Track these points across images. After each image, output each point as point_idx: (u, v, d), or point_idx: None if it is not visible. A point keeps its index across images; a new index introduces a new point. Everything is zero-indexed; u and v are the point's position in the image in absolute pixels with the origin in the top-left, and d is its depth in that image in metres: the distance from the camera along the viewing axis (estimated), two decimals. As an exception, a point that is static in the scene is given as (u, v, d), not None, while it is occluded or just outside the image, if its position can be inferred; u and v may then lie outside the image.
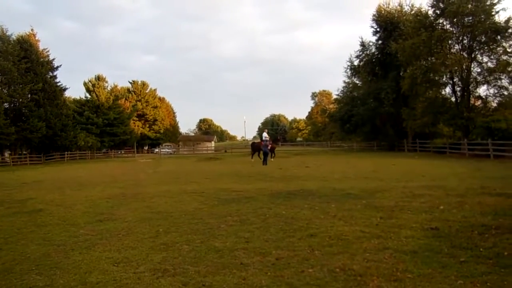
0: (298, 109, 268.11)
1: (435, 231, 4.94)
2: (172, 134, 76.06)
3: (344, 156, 28.97)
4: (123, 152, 54.95)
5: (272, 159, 23.67)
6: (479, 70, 26.02)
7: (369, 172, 13.88)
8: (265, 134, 25.49)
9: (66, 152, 39.26)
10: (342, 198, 7.70)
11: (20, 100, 34.79)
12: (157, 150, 56.64)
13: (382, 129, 36.22)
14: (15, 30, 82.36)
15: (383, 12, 36.50)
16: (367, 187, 9.29)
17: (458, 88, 27.37)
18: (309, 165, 19.24)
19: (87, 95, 52.69)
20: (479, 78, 25.89)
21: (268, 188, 9.83)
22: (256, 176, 13.64)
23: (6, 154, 37.14)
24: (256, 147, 25.40)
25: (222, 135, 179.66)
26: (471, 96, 26.90)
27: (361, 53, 37.83)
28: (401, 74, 33.19)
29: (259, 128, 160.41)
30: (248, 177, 13.61)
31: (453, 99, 27.91)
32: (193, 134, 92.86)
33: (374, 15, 36.95)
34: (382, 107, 33.47)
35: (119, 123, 52.65)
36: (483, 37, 25.09)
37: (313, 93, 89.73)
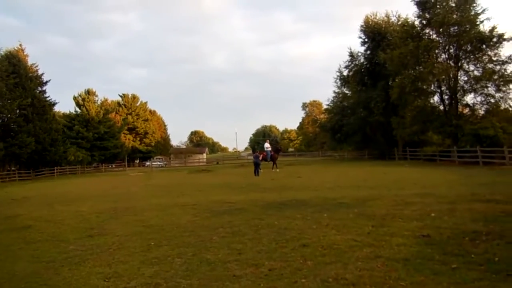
0: (289, 120, 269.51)
1: (426, 239, 4.96)
2: (163, 147, 75.70)
3: (336, 165, 29.13)
4: (114, 166, 54.44)
5: (275, 170, 23.79)
6: (466, 78, 26.52)
7: (361, 181, 13.96)
8: (266, 145, 26.13)
9: (55, 168, 38.71)
10: (334, 207, 7.73)
11: (9, 115, 34.42)
12: (148, 163, 56.24)
13: (372, 138, 36.62)
14: (3, 45, 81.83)
15: (370, 23, 37.22)
16: (358, 195, 9.35)
17: (446, 97, 27.84)
18: (301, 175, 19.31)
19: (77, 109, 52.33)
20: (466, 86, 26.38)
21: (260, 199, 9.84)
22: (248, 188, 13.67)
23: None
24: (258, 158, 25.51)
25: (213, 147, 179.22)
26: (459, 104, 27.35)
27: (350, 63, 38.44)
28: (390, 83, 33.69)
29: (250, 140, 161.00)
30: (240, 188, 13.64)
31: (441, 107, 28.33)
32: (184, 147, 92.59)
33: (362, 26, 37.68)
34: (372, 116, 33.87)
35: (110, 137, 52.28)
36: (468, 46, 25.62)
37: (303, 104, 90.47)
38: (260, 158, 22.28)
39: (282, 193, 11.04)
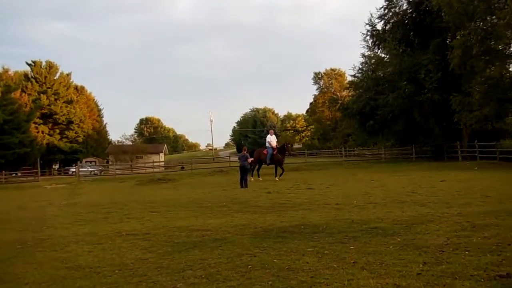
0: (293, 100, 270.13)
1: (505, 280, 4.99)
2: (97, 143, 75.46)
3: (367, 169, 29.37)
4: (20, 174, 53.99)
5: (277, 178, 24.45)
6: None
7: (406, 194, 14.03)
8: (270, 138, 26.20)
9: None
10: (365, 235, 7.79)
11: None
12: (73, 169, 55.98)
13: (423, 126, 36.82)
14: None
15: None
16: (403, 216, 9.42)
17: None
18: (313, 185, 19.37)
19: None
20: None
21: (251, 223, 9.88)
22: (231, 206, 13.66)
23: None
24: (257, 157, 25.85)
25: (176, 144, 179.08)
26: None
27: (386, 11, 38.74)
28: (448, 42, 33.90)
29: (234, 131, 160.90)
30: (218, 207, 13.62)
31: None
32: (130, 143, 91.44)
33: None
34: (422, 93, 34.13)
35: (12, 129, 51.72)
36: None
37: (316, 75, 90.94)
38: (250, 160, 22.27)
39: (283, 214, 11.05)
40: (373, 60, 40.73)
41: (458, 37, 29.50)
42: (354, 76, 44.20)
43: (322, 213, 10.84)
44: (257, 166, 25.96)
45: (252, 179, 24.73)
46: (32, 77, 67.97)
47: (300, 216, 10.52)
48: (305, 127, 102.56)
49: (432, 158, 35.80)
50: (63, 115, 67.83)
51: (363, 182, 20.11)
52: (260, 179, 25.25)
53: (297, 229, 8.78)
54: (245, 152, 22.55)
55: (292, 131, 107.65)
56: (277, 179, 24.36)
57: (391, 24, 38.60)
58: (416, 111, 36.12)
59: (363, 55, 41.55)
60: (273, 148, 25.34)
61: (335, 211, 11.11)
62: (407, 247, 6.71)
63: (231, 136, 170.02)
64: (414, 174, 22.74)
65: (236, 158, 27.32)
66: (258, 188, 19.29)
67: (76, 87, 75.58)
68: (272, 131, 28.60)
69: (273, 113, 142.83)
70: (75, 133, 68.74)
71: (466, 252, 6.23)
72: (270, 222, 9.95)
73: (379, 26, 39.27)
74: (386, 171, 26.49)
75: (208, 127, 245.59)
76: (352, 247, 6.92)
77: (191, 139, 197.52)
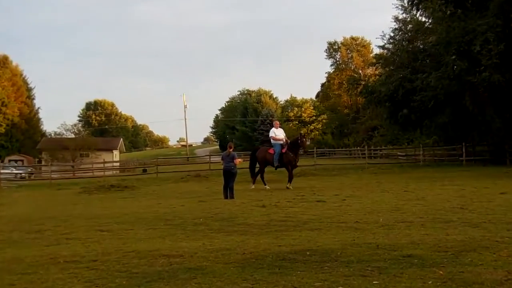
0: (298, 81, 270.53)
1: None
2: (25, 136, 75.20)
3: (399, 176, 29.43)
4: None
5: (290, 186, 24.84)
6: None
7: (452, 210, 13.99)
8: (276, 131, 25.79)
9: None
10: (394, 266, 7.73)
11: None
12: (-8, 170, 55.70)
13: (477, 118, 36.86)
14: None
15: None
16: (447, 241, 9.39)
17: None
18: (324, 196, 19.45)
19: None
20: None
21: (237, 247, 9.82)
22: (211, 224, 13.62)
23: None
24: (262, 158, 26.10)
25: (136, 137, 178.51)
26: None
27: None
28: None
29: (216, 121, 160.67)
30: (194, 225, 13.57)
31: None
32: (72, 136, 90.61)
33: None
34: (477, 72, 34.15)
35: None
36: None
37: (330, 45, 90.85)
38: (237, 161, 21.98)
39: (283, 236, 11.03)
40: (410, 26, 40.84)
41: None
42: (383, 47, 44.47)
43: (335, 235, 10.77)
44: (257, 169, 26.24)
45: (253, 187, 25.00)
46: None
47: (306, 239, 10.43)
48: (314, 117, 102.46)
49: (489, 161, 35.93)
50: (-24, 95, 67.67)
51: (392, 193, 20.10)
52: (267, 187, 25.29)
53: (301, 256, 8.68)
54: (231, 150, 22.29)
55: (297, 122, 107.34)
56: (289, 187, 24.49)
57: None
58: (468, 96, 36.14)
59: (396, 19, 41.80)
60: (281, 145, 25.18)
61: (354, 232, 11.02)
62: (452, 283, 6.60)
63: (212, 128, 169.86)
64: (464, 183, 22.69)
65: (218, 159, 26.88)
66: (248, 199, 19.25)
67: (-5, 57, 75.40)
68: (278, 123, 28.26)
69: (270, 97, 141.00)
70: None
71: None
72: (264, 246, 9.84)
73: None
74: (425, 179, 26.50)
75: (181, 115, 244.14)
76: (376, 282, 6.80)
77: (157, 131, 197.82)
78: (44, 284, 7.92)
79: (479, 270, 7.31)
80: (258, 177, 26.35)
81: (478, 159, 37.25)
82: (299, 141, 25.39)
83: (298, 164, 26.28)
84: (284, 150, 25.00)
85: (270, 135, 26.02)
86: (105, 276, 8.13)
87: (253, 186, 25.14)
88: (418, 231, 10.99)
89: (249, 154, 30.30)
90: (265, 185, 25.70)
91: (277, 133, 25.63)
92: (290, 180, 25.26)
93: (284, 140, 25.45)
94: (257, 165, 26.70)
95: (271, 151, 25.45)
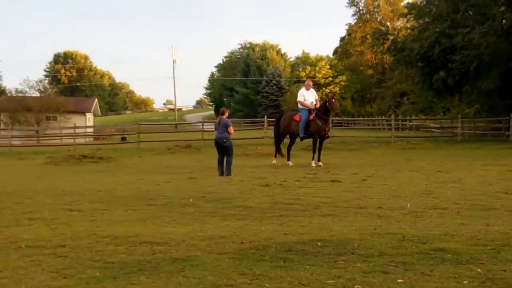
0: (313, 34, 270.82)
1: None
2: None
3: (432, 153, 29.50)
4: None
5: (319, 163, 22.95)
6: None
7: (494, 196, 13.51)
8: (306, 94, 23.61)
9: None
10: (423, 261, 7.16)
11: None
12: None
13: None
14: None
15: None
16: (487, 233, 8.80)
17: None
18: (341, 175, 18.89)
19: None
20: None
21: (234, 235, 9.24)
22: (202, 206, 13.07)
23: None
24: (286, 127, 24.33)
25: (114, 98, 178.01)
26: None
27: None
28: None
29: (211, 80, 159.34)
30: (182, 206, 13.06)
31: None
32: (37, 95, 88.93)
33: None
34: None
35: None
36: None
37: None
38: (231, 130, 20.55)
39: (289, 222, 10.45)
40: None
41: None
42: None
43: (353, 223, 10.18)
44: (283, 141, 24.51)
45: (275, 162, 23.78)
46: None
47: (317, 226, 9.84)
48: (331, 78, 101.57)
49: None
50: None
51: (423, 173, 19.51)
52: (290, 163, 23.88)
53: (310, 247, 8.08)
54: (223, 116, 20.92)
55: (310, 84, 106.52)
56: (319, 164, 22.71)
57: None
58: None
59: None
60: (310, 111, 22.92)
61: (375, 220, 10.46)
62: (492, 284, 6.18)
63: (206, 89, 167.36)
64: (511, 162, 22.32)
65: (213, 127, 25.39)
66: (249, 177, 18.69)
67: None
68: (311, 83, 25.60)
69: (278, 52, 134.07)
70: None
71: None
72: (267, 234, 9.27)
73: None
74: (463, 157, 26.32)
75: (169, 72, 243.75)
76: (400, 281, 6.36)
77: (140, 92, 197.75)
78: (1, 273, 7.33)
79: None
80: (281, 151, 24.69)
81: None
82: (327, 105, 23.08)
83: (329, 134, 24.56)
84: (312, 117, 22.93)
85: (297, 99, 23.87)
86: (74, 266, 7.59)
87: (274, 161, 23.97)
88: (452, 220, 10.42)
89: (251, 122, 29.25)
90: (288, 160, 24.10)
91: (307, 96, 23.34)
92: (318, 156, 23.25)
93: (314, 104, 23.17)
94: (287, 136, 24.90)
95: (296, 117, 23.40)
